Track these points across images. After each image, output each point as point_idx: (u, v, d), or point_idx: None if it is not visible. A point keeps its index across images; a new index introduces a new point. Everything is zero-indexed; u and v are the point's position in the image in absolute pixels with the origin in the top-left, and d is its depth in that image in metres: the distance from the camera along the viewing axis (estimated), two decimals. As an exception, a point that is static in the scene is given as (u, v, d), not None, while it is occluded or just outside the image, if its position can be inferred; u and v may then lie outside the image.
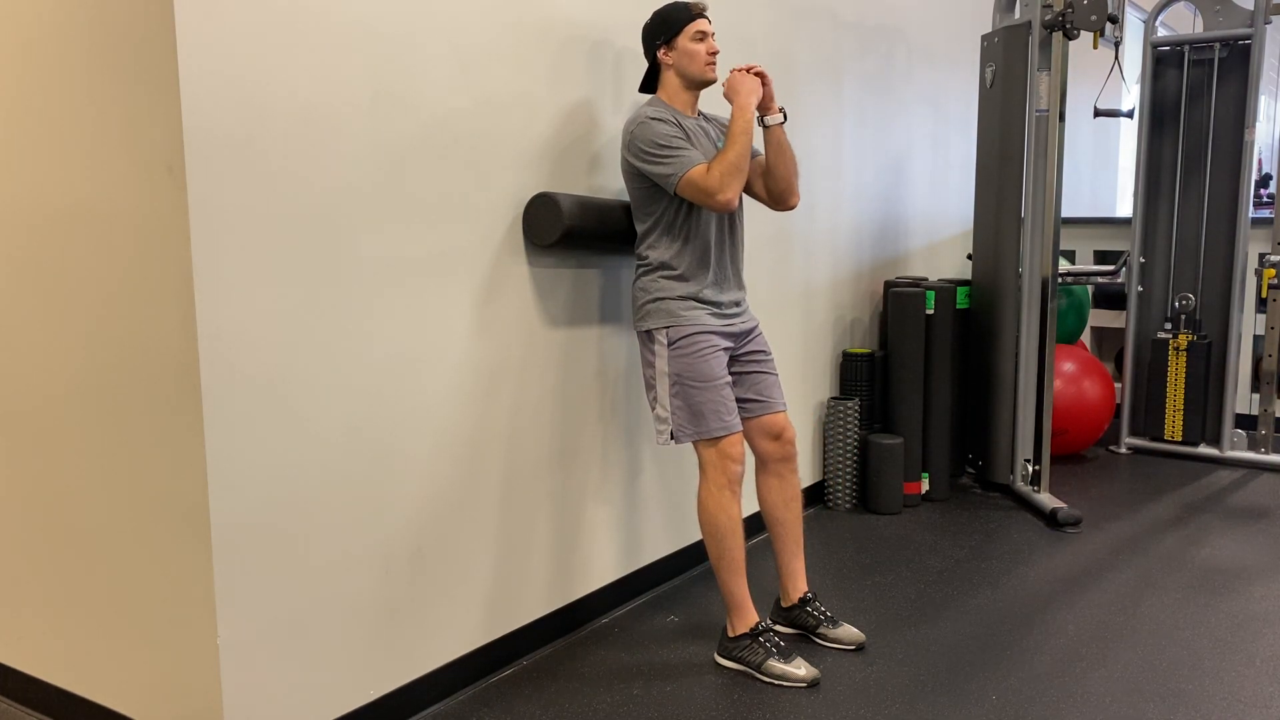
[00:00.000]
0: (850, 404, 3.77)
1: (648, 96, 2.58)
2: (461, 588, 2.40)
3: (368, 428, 2.13)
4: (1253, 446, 4.50)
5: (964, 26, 4.73)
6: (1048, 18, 3.68)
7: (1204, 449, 4.60)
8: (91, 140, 1.91)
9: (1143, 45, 4.72)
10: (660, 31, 2.49)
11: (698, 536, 3.21)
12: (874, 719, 2.28)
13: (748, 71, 2.45)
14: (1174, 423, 4.64)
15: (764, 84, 2.46)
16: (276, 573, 1.98)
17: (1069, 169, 6.16)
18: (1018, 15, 3.96)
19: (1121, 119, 4.25)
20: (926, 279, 4.08)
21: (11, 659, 2.34)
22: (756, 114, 2.45)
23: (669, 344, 2.44)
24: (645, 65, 2.60)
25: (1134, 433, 4.79)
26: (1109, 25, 3.60)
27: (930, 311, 3.85)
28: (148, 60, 1.78)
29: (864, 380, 3.87)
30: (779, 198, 2.62)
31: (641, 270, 2.53)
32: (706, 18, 2.49)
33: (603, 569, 2.85)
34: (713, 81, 2.51)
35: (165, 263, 1.83)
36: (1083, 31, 3.63)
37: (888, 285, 4.05)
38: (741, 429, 2.48)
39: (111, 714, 2.13)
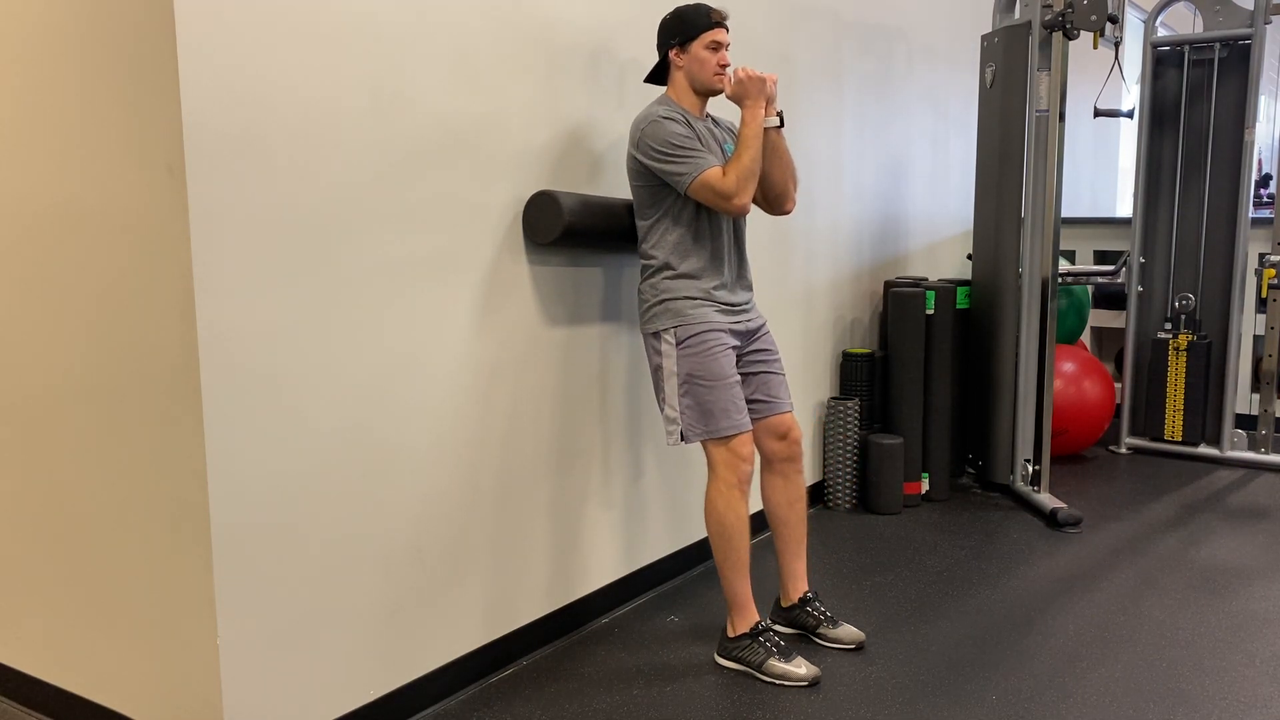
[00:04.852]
0: (850, 404, 3.77)
1: (656, 91, 2.56)
2: (461, 588, 2.40)
3: (368, 427, 2.13)
4: (1253, 446, 4.50)
5: (964, 26, 4.73)
6: (1048, 18, 3.68)
7: (1204, 449, 4.60)
8: (91, 140, 1.91)
9: (1143, 45, 4.72)
10: (676, 31, 2.46)
11: (698, 536, 3.21)
12: (874, 719, 2.28)
13: (755, 74, 2.40)
14: (1174, 423, 4.64)
15: (768, 84, 2.42)
16: (276, 573, 1.98)
17: (1069, 169, 6.16)
18: (1018, 15, 3.96)
19: (1121, 119, 4.24)
20: (926, 279, 4.08)
21: (11, 659, 2.34)
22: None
23: (677, 343, 2.43)
24: (646, 68, 2.59)
25: (1134, 433, 4.79)
26: (1109, 25, 3.60)
27: (930, 311, 3.85)
28: (148, 60, 1.78)
29: (864, 380, 3.87)
30: (774, 202, 2.61)
31: (648, 271, 2.51)
32: (725, 27, 2.46)
33: (603, 569, 2.85)
34: (719, 92, 2.48)
35: (165, 263, 1.83)
36: (1083, 31, 3.63)
37: (888, 285, 4.05)
38: (751, 428, 2.48)
39: (111, 714, 2.13)
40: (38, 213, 2.05)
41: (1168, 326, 4.70)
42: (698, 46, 2.44)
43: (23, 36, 1.99)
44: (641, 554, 3.00)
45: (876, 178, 4.15)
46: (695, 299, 2.44)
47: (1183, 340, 4.58)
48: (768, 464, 2.64)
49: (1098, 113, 4.09)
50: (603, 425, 2.80)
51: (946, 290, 3.89)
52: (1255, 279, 4.50)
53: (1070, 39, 3.68)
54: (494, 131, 2.38)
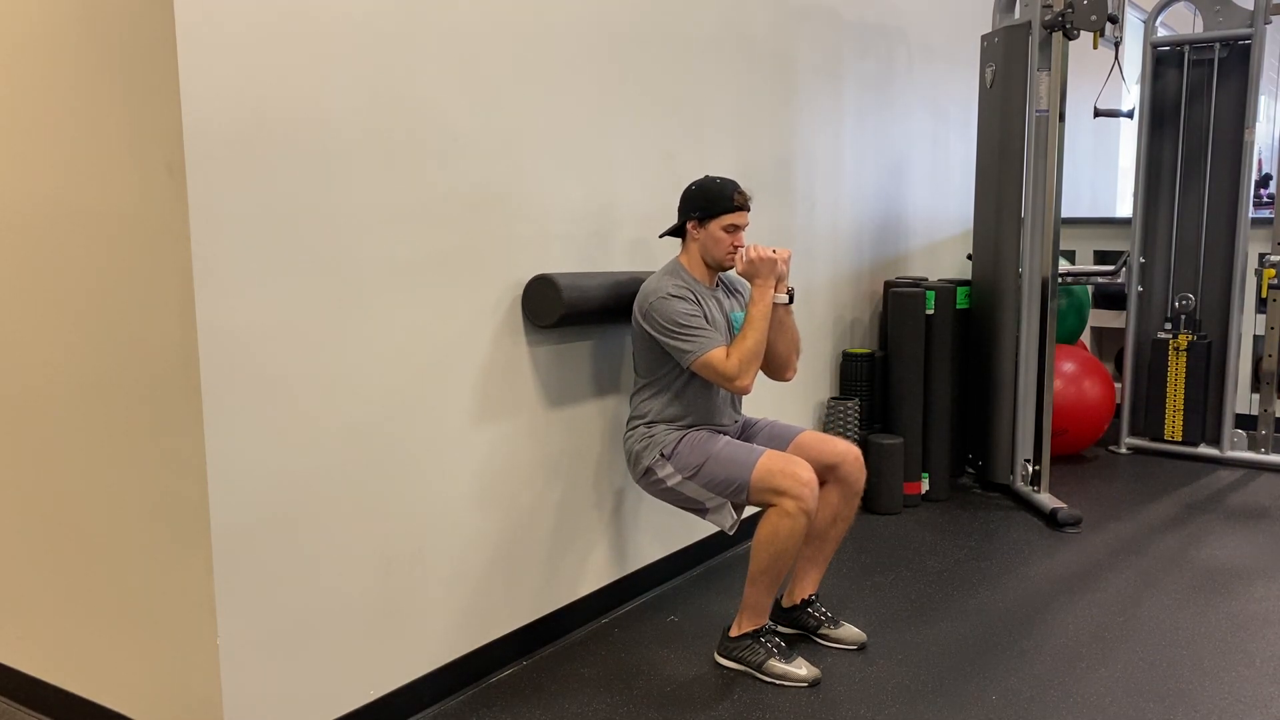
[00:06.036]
0: (850, 404, 3.76)
1: (670, 251, 2.66)
2: (461, 588, 2.40)
3: (368, 428, 2.13)
4: (1253, 446, 4.50)
5: (964, 26, 4.73)
6: (1048, 18, 3.67)
7: (1204, 449, 4.59)
8: (91, 140, 1.91)
9: (1143, 45, 4.72)
10: (697, 206, 2.51)
11: (696, 537, 3.21)
12: (874, 719, 2.28)
13: (767, 254, 2.43)
14: (1174, 423, 4.64)
15: (780, 264, 2.47)
16: (277, 573, 1.98)
17: (1069, 169, 6.15)
18: (1018, 15, 3.96)
19: (1121, 119, 4.23)
20: (926, 279, 4.08)
21: (12, 659, 2.34)
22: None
23: (668, 459, 2.49)
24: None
25: (1134, 433, 4.79)
26: (1109, 25, 3.60)
27: (930, 311, 3.85)
28: (148, 60, 1.78)
29: (864, 380, 3.87)
30: (774, 370, 2.68)
31: (635, 423, 2.58)
32: (747, 209, 2.51)
33: (603, 569, 2.85)
34: (729, 269, 2.54)
35: (165, 263, 1.83)
36: (1083, 31, 3.63)
37: (888, 285, 4.04)
38: (766, 451, 2.44)
39: (111, 714, 2.13)
40: (37, 212, 2.05)
41: (1168, 326, 4.70)
42: (715, 226, 2.49)
43: (22, 35, 1.99)
44: (641, 555, 3.00)
45: (876, 178, 4.15)
46: (671, 430, 2.52)
47: (1183, 340, 4.58)
48: (836, 479, 2.59)
49: (1098, 113, 4.08)
50: (602, 424, 2.80)
51: (946, 290, 3.89)
52: (1255, 279, 4.50)
53: (1070, 39, 3.68)
54: (493, 131, 2.38)
